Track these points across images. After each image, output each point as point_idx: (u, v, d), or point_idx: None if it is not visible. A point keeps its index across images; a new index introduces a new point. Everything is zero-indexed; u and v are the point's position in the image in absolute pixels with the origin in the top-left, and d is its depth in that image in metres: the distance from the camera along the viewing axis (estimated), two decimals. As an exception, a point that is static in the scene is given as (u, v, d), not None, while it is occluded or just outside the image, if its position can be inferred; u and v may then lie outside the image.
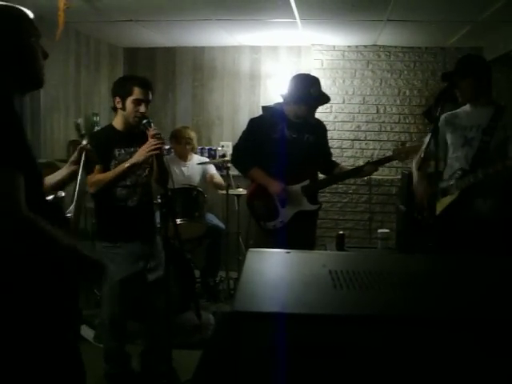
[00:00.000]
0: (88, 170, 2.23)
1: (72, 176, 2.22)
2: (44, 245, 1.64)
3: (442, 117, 3.62)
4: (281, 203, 3.66)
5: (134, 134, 3.28)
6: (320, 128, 3.92)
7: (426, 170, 3.48)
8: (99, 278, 1.98)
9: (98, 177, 3.15)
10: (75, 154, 2.26)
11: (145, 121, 3.16)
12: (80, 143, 2.33)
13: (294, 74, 3.90)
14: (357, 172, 3.86)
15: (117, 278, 3.21)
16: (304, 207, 3.71)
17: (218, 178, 5.51)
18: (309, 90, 3.62)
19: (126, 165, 3.17)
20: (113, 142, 3.27)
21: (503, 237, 3.25)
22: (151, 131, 3.10)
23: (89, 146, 2.27)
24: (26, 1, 3.69)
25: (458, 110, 3.49)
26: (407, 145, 3.74)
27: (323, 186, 4.11)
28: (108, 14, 4.70)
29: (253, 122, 3.85)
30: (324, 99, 3.74)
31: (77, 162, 2.22)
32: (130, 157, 3.23)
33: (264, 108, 3.92)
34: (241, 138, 3.86)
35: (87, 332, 4.01)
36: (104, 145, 3.22)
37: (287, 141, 3.65)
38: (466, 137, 3.34)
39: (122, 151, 3.28)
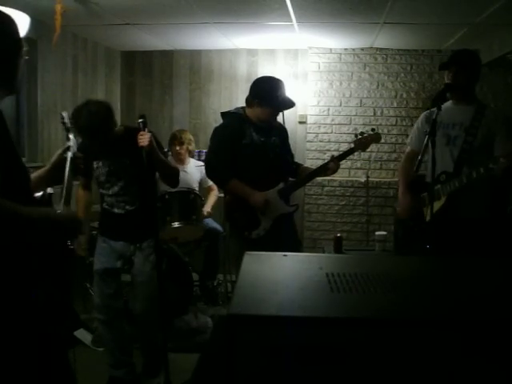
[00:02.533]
0: (74, 171, 2.22)
1: (53, 178, 2.20)
2: (13, 222, 1.65)
3: (422, 115, 3.64)
4: (260, 211, 3.58)
5: (115, 144, 3.29)
6: (282, 130, 3.86)
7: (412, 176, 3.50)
8: (75, 234, 2.01)
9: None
10: (58, 154, 2.24)
11: (140, 120, 3.12)
12: (67, 137, 2.31)
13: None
14: (322, 170, 3.73)
15: (95, 267, 3.45)
16: (283, 211, 3.64)
17: (214, 194, 5.49)
18: (276, 94, 3.56)
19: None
20: (93, 155, 3.34)
21: (494, 237, 3.26)
22: (140, 133, 3.08)
23: (74, 147, 2.26)
24: (23, 4, 3.69)
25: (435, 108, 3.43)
26: (365, 134, 3.72)
27: (297, 188, 3.96)
28: (105, 17, 4.71)
29: (219, 131, 3.70)
30: (289, 104, 3.66)
31: (60, 166, 2.20)
32: (109, 169, 3.34)
33: (224, 114, 3.78)
34: (211, 148, 3.70)
35: (85, 336, 4.01)
36: (85, 158, 3.25)
37: (257, 145, 3.59)
38: (449, 135, 3.32)
39: (100, 164, 3.38)
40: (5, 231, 1.63)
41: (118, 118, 6.55)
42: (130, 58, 6.57)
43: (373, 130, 3.76)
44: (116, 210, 3.39)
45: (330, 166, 3.65)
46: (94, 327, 4.10)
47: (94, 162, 3.37)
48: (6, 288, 1.67)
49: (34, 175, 2.10)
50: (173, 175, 3.46)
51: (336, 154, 3.95)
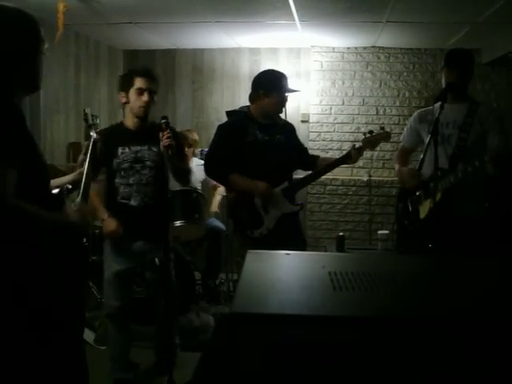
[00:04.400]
0: (94, 167, 2.24)
1: (76, 182, 2.22)
2: (29, 224, 1.69)
3: (415, 114, 3.65)
4: (264, 209, 3.55)
5: (145, 132, 3.29)
6: (288, 127, 3.82)
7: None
8: (83, 236, 2.03)
9: (92, 199, 3.20)
10: (82, 153, 2.27)
11: (163, 120, 3.12)
12: (89, 134, 2.34)
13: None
14: (343, 160, 3.67)
15: (113, 269, 3.30)
16: (287, 209, 3.59)
17: (219, 192, 5.50)
18: (280, 81, 3.60)
19: (104, 217, 3.30)
20: (117, 140, 3.28)
21: (489, 235, 3.26)
22: (165, 133, 3.08)
23: (97, 140, 2.28)
24: (25, 3, 3.69)
25: (430, 107, 3.46)
26: (374, 133, 3.70)
27: (303, 185, 3.94)
28: (107, 16, 4.71)
29: (223, 128, 3.68)
30: (293, 90, 3.74)
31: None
32: (135, 156, 3.27)
33: (229, 113, 3.78)
34: (212, 145, 3.68)
35: (88, 334, 4.00)
36: (107, 143, 3.14)
37: (261, 144, 3.56)
38: (443, 134, 3.30)
39: (127, 149, 3.28)
40: (22, 231, 1.66)
41: (120, 116, 6.57)
42: (133, 56, 6.57)
43: (382, 128, 3.72)
44: (133, 202, 3.29)
45: (352, 154, 3.60)
46: (97, 326, 4.11)
47: (119, 148, 3.29)
48: (20, 283, 1.69)
49: (54, 181, 2.12)
50: (186, 174, 3.50)
51: (338, 154, 3.93)
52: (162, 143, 3.06)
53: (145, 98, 3.23)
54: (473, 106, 3.34)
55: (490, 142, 3.27)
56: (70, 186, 2.02)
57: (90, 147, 2.23)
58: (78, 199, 2.05)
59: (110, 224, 3.28)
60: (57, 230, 1.81)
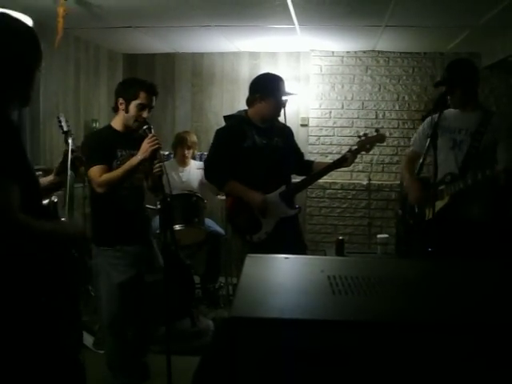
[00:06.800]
0: (75, 171, 2.23)
1: (55, 186, 2.21)
2: (35, 239, 1.70)
3: (429, 118, 3.64)
4: (262, 214, 3.56)
5: (134, 137, 3.27)
6: (286, 131, 3.82)
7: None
8: (84, 246, 2.04)
9: (106, 176, 3.12)
10: (60, 162, 2.26)
11: (145, 126, 3.16)
12: (66, 141, 2.32)
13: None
14: (338, 163, 3.67)
15: (116, 281, 3.21)
16: (285, 214, 3.60)
17: None
18: (276, 84, 3.60)
19: (138, 158, 3.11)
20: (114, 143, 3.25)
21: (494, 240, 3.27)
22: (152, 137, 3.12)
23: (74, 148, 2.27)
24: (25, 7, 3.70)
25: (444, 112, 3.40)
26: (369, 135, 3.69)
27: (301, 189, 3.93)
28: (107, 20, 4.71)
29: (220, 133, 3.69)
30: (289, 92, 3.75)
31: (62, 171, 2.22)
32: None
33: (227, 117, 3.78)
34: (211, 150, 3.70)
35: (87, 338, 3.99)
36: (106, 144, 3.21)
37: (259, 148, 3.57)
38: (455, 140, 3.37)
39: (124, 152, 3.25)
40: (27, 244, 1.67)
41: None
42: (133, 60, 6.58)
43: (377, 130, 3.73)
44: (128, 206, 3.26)
45: (347, 157, 3.61)
46: (96, 330, 4.10)
47: (117, 150, 3.24)
48: (16, 293, 1.68)
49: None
50: (159, 186, 3.25)
51: (335, 158, 3.92)
52: (151, 147, 3.07)
53: (145, 114, 3.20)
54: (487, 115, 3.37)
55: (500, 151, 3.29)
56: (56, 199, 2.01)
57: (70, 155, 2.21)
58: (65, 210, 2.05)
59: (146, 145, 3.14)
60: (58, 239, 1.81)
